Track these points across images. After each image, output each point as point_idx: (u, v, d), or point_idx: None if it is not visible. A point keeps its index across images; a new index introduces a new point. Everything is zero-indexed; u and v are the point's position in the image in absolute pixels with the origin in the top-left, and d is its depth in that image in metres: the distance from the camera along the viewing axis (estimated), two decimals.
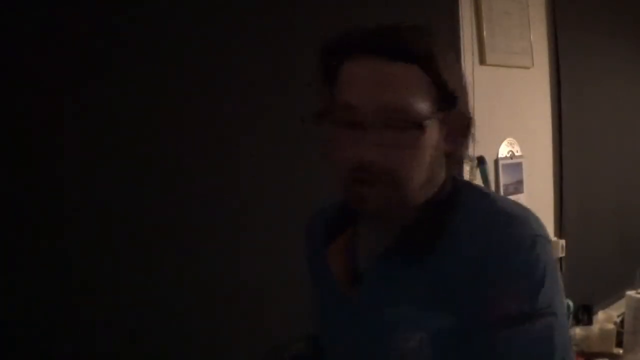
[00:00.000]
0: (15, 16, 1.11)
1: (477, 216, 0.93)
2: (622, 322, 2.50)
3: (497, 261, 0.87)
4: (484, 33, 2.27)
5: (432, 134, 0.90)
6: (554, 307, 0.87)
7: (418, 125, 0.87)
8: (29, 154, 1.15)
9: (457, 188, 0.97)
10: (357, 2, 1.74)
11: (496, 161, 2.39)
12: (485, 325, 0.86)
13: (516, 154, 2.48)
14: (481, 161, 2.24)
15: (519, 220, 0.91)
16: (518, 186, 2.49)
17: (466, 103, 0.95)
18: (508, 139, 2.45)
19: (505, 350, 0.86)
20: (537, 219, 0.94)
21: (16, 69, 1.12)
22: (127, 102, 1.28)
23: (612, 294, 2.89)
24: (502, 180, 2.41)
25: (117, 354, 1.26)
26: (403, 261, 0.93)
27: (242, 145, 1.50)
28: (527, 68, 2.53)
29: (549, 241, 0.92)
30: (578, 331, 2.49)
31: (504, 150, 2.43)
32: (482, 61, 2.28)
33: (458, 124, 0.94)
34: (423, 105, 0.88)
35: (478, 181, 2.22)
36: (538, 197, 2.58)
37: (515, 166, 2.47)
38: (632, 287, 2.47)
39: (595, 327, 2.52)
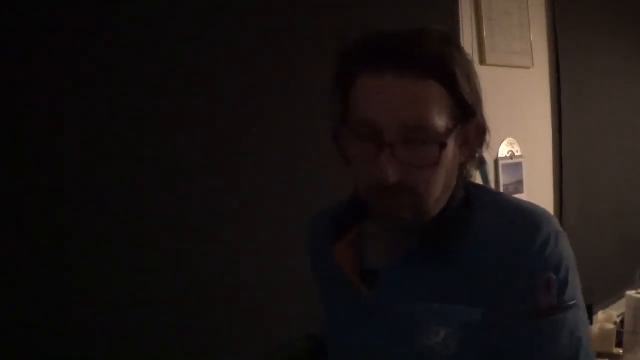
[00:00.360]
0: (15, 16, 1.11)
1: (496, 214, 0.94)
2: (622, 322, 2.50)
3: (524, 257, 0.89)
4: (484, 33, 2.27)
5: (450, 147, 0.90)
6: (578, 300, 0.91)
7: (440, 143, 0.87)
8: (29, 154, 1.15)
9: (469, 187, 0.99)
10: (357, 2, 1.74)
11: (496, 161, 2.39)
12: (515, 319, 0.88)
13: (516, 154, 2.49)
14: (481, 161, 2.24)
15: (540, 217, 0.93)
16: (518, 186, 2.49)
17: (482, 111, 0.94)
18: (508, 139, 2.45)
19: (537, 342, 0.88)
20: (551, 215, 0.96)
21: (17, 69, 1.12)
22: (128, 102, 1.28)
23: (612, 294, 2.89)
24: (502, 180, 2.41)
25: (117, 354, 1.26)
26: (426, 260, 0.93)
27: (242, 145, 1.49)
28: (527, 68, 2.53)
29: (566, 235, 0.95)
30: None
31: (504, 150, 2.43)
32: (482, 61, 2.28)
33: (474, 134, 0.94)
34: (443, 122, 0.87)
35: (478, 181, 2.21)
36: (538, 197, 2.57)
37: (515, 166, 2.48)
38: (632, 287, 2.47)
39: (595, 327, 2.52)
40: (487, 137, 0.96)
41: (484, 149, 0.97)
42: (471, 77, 0.91)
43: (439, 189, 0.91)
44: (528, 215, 0.93)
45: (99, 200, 1.24)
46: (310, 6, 1.63)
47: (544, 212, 0.95)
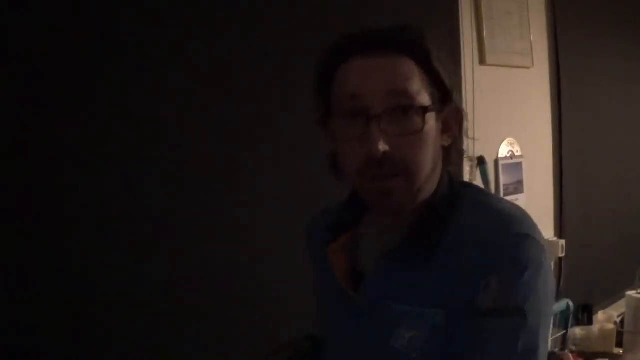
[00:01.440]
0: (15, 15, 1.11)
1: (473, 214, 0.94)
2: (622, 322, 2.50)
3: (482, 257, 0.89)
4: (484, 33, 2.27)
5: (432, 123, 0.92)
6: (526, 309, 0.86)
7: (423, 109, 0.90)
8: (30, 154, 1.15)
9: (454, 186, 0.99)
10: (357, 3, 1.74)
11: (496, 161, 2.39)
12: (464, 317, 0.87)
13: (516, 154, 2.49)
14: (481, 161, 2.25)
15: (511, 220, 0.92)
16: (518, 186, 2.49)
17: (459, 99, 0.98)
18: (508, 139, 2.45)
19: (475, 342, 0.87)
20: (531, 221, 0.94)
21: (17, 69, 1.12)
22: (130, 103, 1.28)
23: (612, 294, 2.89)
24: (502, 180, 2.41)
25: (117, 354, 1.26)
26: (404, 260, 0.95)
27: (242, 145, 1.50)
28: (527, 68, 2.53)
29: (540, 244, 0.91)
30: (578, 331, 2.49)
31: (504, 150, 2.43)
32: (482, 61, 2.28)
33: (453, 119, 0.97)
34: (422, 95, 0.91)
35: (478, 181, 2.22)
36: (538, 197, 2.58)
37: (515, 166, 2.48)
38: (632, 287, 2.48)
39: (595, 327, 2.52)
40: (465, 124, 0.99)
41: (464, 136, 1.00)
42: (447, 62, 0.95)
43: (427, 162, 0.93)
44: (500, 216, 0.93)
45: (100, 201, 1.24)
46: (311, 6, 1.63)
47: (519, 216, 0.93)
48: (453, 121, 0.97)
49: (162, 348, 1.33)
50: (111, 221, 1.26)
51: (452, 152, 0.98)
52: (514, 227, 0.91)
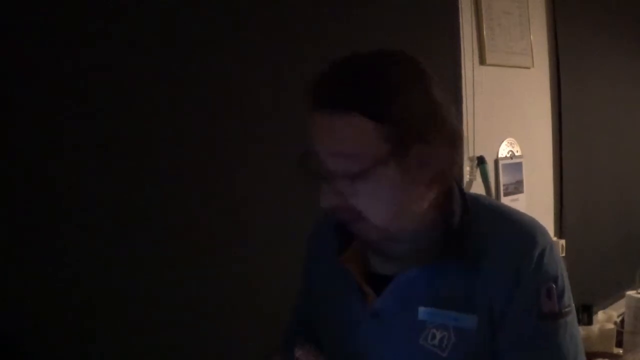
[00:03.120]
0: (15, 15, 1.11)
1: (494, 225, 0.99)
2: (622, 322, 2.50)
3: (525, 270, 0.94)
4: (484, 33, 2.27)
5: (389, 172, 0.91)
6: (572, 305, 0.98)
7: (362, 173, 0.89)
8: (30, 155, 1.15)
9: (465, 200, 1.01)
10: (357, 3, 1.74)
11: (496, 161, 2.39)
12: (521, 325, 0.94)
13: (516, 154, 2.49)
14: (481, 161, 2.25)
15: (534, 230, 0.98)
16: (518, 186, 2.49)
17: (439, 130, 0.92)
18: (508, 139, 2.45)
19: (543, 345, 0.94)
20: (543, 226, 1.01)
21: (18, 68, 1.12)
22: (134, 105, 1.28)
23: (612, 294, 2.89)
24: (502, 180, 2.41)
25: (118, 354, 1.27)
26: (431, 269, 0.98)
27: (242, 145, 1.50)
28: (527, 68, 2.53)
29: (556, 245, 1.01)
30: None
31: (504, 150, 2.43)
32: (482, 61, 2.28)
33: (417, 160, 0.92)
34: (367, 151, 0.89)
35: (478, 181, 2.22)
36: (538, 197, 2.58)
37: (515, 166, 2.48)
38: (632, 287, 2.47)
39: (595, 327, 2.52)
40: (437, 163, 0.94)
41: (452, 168, 0.97)
42: (421, 99, 0.91)
43: (385, 207, 0.94)
44: (524, 227, 0.98)
45: (100, 201, 1.24)
46: (311, 7, 1.62)
47: (537, 224, 1.00)
48: (417, 162, 0.92)
49: (163, 348, 1.33)
50: (112, 222, 1.26)
51: (444, 179, 0.97)
52: (538, 238, 0.97)
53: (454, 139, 0.95)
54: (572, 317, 0.97)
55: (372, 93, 0.89)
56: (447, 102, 0.95)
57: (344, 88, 0.89)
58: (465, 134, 1.96)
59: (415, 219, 0.97)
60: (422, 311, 0.98)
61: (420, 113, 0.91)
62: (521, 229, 0.98)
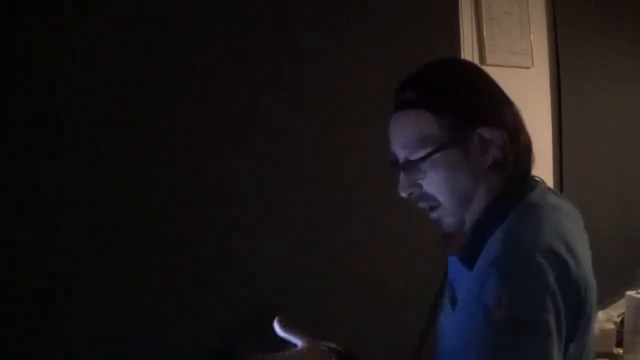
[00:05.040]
0: (15, 14, 1.11)
1: (498, 235, 1.07)
2: (622, 322, 2.50)
3: (491, 277, 1.00)
4: (484, 33, 2.27)
5: (452, 156, 1.09)
6: (532, 318, 0.96)
7: (428, 155, 1.08)
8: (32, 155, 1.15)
9: (503, 202, 1.10)
10: (357, 3, 1.74)
11: None
12: (478, 326, 0.99)
13: None
14: None
15: (514, 243, 1.04)
16: None
17: (501, 118, 1.12)
18: None
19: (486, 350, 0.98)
20: (534, 242, 1.02)
21: (19, 67, 1.12)
22: (131, 103, 1.28)
23: (612, 294, 2.89)
24: None
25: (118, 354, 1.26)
26: (463, 265, 1.13)
27: (242, 145, 1.49)
28: (527, 68, 2.53)
29: (543, 263, 0.99)
30: None
31: None
32: (482, 61, 2.28)
33: (477, 144, 1.09)
34: (431, 138, 1.08)
35: None
36: None
37: None
38: (632, 287, 2.47)
39: (595, 327, 2.52)
40: (495, 148, 1.10)
41: (506, 156, 1.11)
42: (473, 94, 1.12)
43: (452, 192, 1.10)
44: (509, 237, 1.05)
45: (101, 201, 1.24)
46: (311, 5, 1.62)
47: (522, 239, 1.03)
48: (477, 145, 1.09)
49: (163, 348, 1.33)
50: (113, 222, 1.26)
51: (503, 166, 1.10)
52: (510, 237, 1.04)
53: (509, 132, 1.12)
54: (527, 331, 0.95)
55: (434, 93, 1.09)
56: (501, 101, 1.15)
57: (413, 91, 1.11)
58: None
59: (473, 209, 1.11)
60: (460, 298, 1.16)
61: (475, 109, 1.10)
62: (503, 239, 1.05)
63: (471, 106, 1.09)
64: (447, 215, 1.11)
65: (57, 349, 1.16)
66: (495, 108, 1.12)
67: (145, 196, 1.29)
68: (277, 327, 1.09)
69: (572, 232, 1.12)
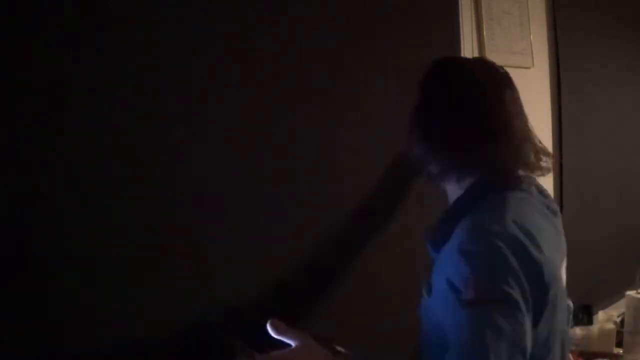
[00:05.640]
0: (16, 14, 1.11)
1: (468, 220, 1.15)
2: (622, 322, 2.50)
3: (459, 256, 1.09)
4: (484, 33, 2.27)
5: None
6: (499, 295, 1.03)
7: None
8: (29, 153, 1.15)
9: (471, 196, 1.21)
10: (358, 2, 1.74)
11: None
12: (453, 305, 1.06)
13: None
14: None
15: (482, 224, 1.12)
16: None
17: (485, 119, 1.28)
18: None
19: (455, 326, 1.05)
20: (502, 224, 1.10)
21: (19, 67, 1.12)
22: (131, 103, 1.28)
23: (612, 294, 2.89)
24: None
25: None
26: (433, 243, 1.24)
27: (241, 145, 1.50)
28: (527, 68, 2.53)
29: (503, 247, 1.07)
30: (578, 331, 2.49)
31: None
32: None
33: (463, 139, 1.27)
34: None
35: None
36: None
37: None
38: (632, 287, 2.48)
39: (595, 327, 2.52)
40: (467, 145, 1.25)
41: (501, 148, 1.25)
42: (474, 95, 1.28)
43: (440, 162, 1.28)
44: (473, 224, 1.12)
45: (101, 201, 1.24)
46: (311, 5, 1.62)
47: (485, 226, 1.11)
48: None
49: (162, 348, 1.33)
50: (114, 221, 1.26)
51: (475, 162, 1.26)
52: (474, 224, 1.14)
53: (496, 132, 1.23)
54: (490, 308, 1.01)
55: (436, 82, 1.31)
56: (503, 98, 1.30)
57: (424, 79, 1.34)
58: None
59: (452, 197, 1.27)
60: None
61: (472, 100, 1.24)
62: (471, 221, 1.14)
63: (467, 98, 1.27)
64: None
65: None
66: (488, 105, 1.27)
67: (145, 196, 1.29)
68: (270, 329, 1.10)
69: (540, 228, 1.16)
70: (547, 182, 2.70)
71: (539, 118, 2.66)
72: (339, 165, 1.69)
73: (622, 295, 2.58)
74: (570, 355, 2.26)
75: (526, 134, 1.30)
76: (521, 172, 1.26)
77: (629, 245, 3.15)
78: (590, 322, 2.64)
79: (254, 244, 1.48)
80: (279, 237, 1.53)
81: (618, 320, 2.56)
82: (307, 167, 1.61)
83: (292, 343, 1.12)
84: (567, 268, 2.63)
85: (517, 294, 1.03)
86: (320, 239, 1.62)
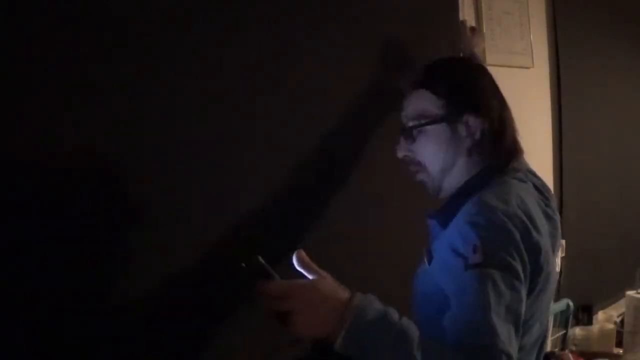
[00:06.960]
0: (16, 14, 1.11)
1: (477, 198, 1.21)
2: (622, 322, 2.51)
3: (465, 233, 1.15)
4: (484, 33, 2.27)
5: (442, 130, 1.31)
6: (504, 262, 1.10)
7: (422, 125, 1.32)
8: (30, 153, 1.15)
9: (488, 176, 1.29)
10: (358, 2, 1.74)
11: None
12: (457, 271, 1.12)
13: None
14: None
15: (482, 209, 1.17)
16: None
17: (488, 110, 1.32)
18: None
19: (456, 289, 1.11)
20: (500, 209, 1.16)
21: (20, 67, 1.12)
22: (131, 102, 1.28)
23: (612, 294, 2.90)
24: None
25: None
26: (437, 226, 1.32)
27: (242, 144, 1.50)
28: (527, 68, 2.54)
29: (508, 222, 1.14)
30: (578, 331, 2.49)
31: None
32: (482, 61, 2.28)
33: (466, 126, 1.30)
34: (427, 113, 1.32)
35: None
36: None
37: None
38: (632, 287, 2.48)
39: (595, 327, 2.53)
40: (477, 133, 1.30)
41: (483, 141, 1.31)
42: (461, 87, 1.33)
43: (435, 161, 1.33)
44: (482, 201, 1.19)
45: (101, 201, 1.24)
46: (311, 5, 1.62)
47: (492, 204, 1.17)
48: (465, 128, 1.30)
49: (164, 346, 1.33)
50: (116, 222, 1.26)
51: (481, 149, 1.31)
52: (483, 201, 1.19)
53: (492, 123, 1.31)
54: (491, 272, 1.08)
55: (438, 79, 1.33)
56: (493, 96, 1.35)
57: (423, 75, 1.35)
58: None
59: (455, 181, 1.32)
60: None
61: (467, 97, 1.31)
62: (473, 207, 1.19)
63: (464, 94, 1.31)
64: (427, 179, 1.35)
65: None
66: (485, 101, 1.32)
67: (145, 196, 1.29)
68: (295, 260, 1.11)
69: (536, 213, 1.24)
70: (547, 182, 2.70)
71: (539, 118, 2.67)
72: (339, 164, 1.69)
73: (622, 295, 2.58)
74: (570, 356, 2.27)
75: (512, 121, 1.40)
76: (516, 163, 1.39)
77: (629, 245, 3.16)
78: (590, 322, 2.64)
79: (254, 243, 1.48)
80: (280, 237, 1.54)
81: (618, 320, 2.57)
82: (307, 166, 1.61)
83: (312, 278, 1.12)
84: (568, 268, 2.64)
85: (518, 265, 1.11)
86: (321, 238, 1.62)
